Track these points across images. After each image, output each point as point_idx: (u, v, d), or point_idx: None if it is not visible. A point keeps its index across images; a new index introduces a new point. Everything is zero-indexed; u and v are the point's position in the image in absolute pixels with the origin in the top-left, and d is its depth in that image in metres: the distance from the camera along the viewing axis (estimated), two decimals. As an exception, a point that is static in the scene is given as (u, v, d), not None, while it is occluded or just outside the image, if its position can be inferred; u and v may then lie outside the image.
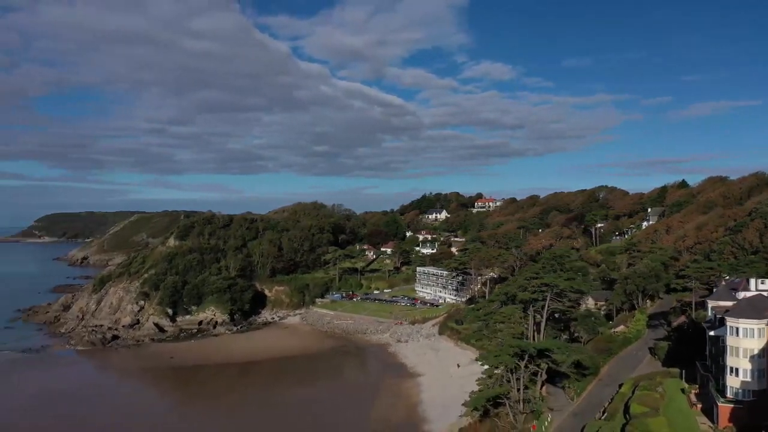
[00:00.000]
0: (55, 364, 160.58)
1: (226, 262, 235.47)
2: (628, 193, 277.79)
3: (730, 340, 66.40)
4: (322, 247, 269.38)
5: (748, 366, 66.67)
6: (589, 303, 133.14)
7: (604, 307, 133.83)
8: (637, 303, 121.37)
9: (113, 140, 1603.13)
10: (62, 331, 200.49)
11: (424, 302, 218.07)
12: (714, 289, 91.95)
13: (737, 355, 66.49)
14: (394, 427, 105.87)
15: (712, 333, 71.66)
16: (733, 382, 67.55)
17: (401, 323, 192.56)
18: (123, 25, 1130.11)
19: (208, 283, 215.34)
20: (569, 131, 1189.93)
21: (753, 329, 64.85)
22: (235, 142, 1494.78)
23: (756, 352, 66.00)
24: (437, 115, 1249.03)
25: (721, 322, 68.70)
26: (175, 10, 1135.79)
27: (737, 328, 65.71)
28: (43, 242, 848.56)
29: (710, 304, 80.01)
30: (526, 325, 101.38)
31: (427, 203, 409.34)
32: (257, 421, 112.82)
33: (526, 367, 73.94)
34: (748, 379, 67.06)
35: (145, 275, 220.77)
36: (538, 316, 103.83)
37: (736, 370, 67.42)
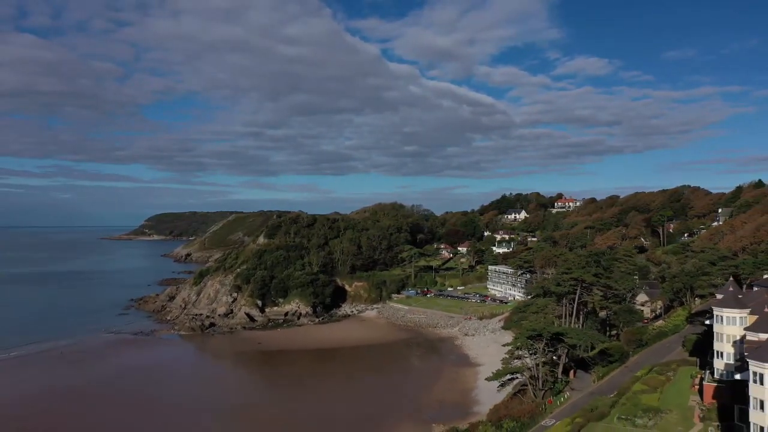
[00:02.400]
0: (162, 345, 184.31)
1: (309, 259, 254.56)
2: (709, 192, 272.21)
3: (716, 327, 72.95)
4: (400, 246, 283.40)
5: (731, 350, 73.06)
6: (642, 299, 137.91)
7: (661, 304, 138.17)
8: (685, 300, 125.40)
9: (214, 144, 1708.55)
10: (168, 318, 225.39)
11: (494, 299, 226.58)
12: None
13: (722, 341, 73.08)
14: (447, 408, 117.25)
15: (707, 322, 78.14)
16: (718, 365, 74.06)
17: (470, 318, 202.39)
18: (224, 34, 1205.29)
19: (293, 278, 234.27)
20: (671, 127, 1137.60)
21: (735, 317, 71.12)
22: (327, 144, 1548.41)
23: (738, 338, 71.97)
24: (529, 113, 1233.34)
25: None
26: (271, 18, 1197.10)
27: (722, 317, 72.26)
28: (152, 240, 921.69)
29: (718, 296, 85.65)
30: (560, 315, 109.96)
31: (506, 203, 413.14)
32: (331, 396, 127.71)
33: (543, 350, 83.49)
34: (731, 361, 73.12)
35: (238, 270, 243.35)
36: (583, 307, 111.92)
37: (721, 353, 73.90)
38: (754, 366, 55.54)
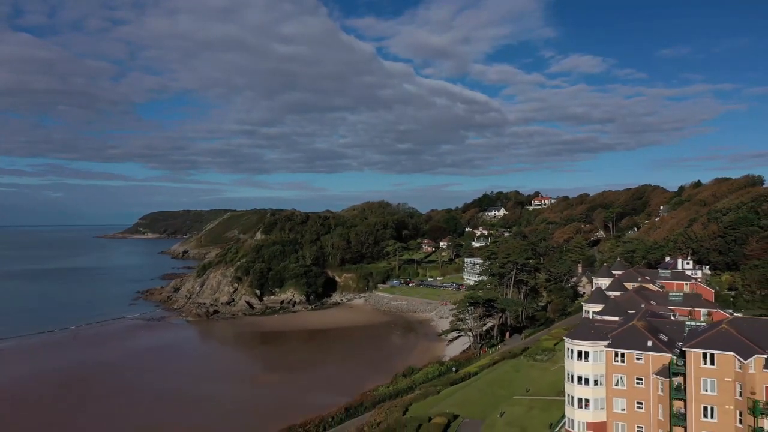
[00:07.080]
0: (173, 329, 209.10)
1: (303, 253, 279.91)
2: (666, 191, 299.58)
3: (586, 290, 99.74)
4: (385, 241, 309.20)
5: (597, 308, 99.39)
6: (584, 281, 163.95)
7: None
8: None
9: (208, 142, 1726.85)
10: (175, 307, 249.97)
11: (468, 287, 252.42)
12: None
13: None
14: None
15: (591, 289, 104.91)
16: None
17: (445, 304, 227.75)
18: (219, 33, 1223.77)
19: (288, 270, 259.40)
20: (664, 124, 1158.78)
21: (605, 283, 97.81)
22: (321, 142, 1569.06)
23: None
24: (522, 111, 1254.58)
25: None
26: (266, 16, 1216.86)
27: (597, 283, 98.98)
28: (146, 238, 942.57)
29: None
30: (501, 291, 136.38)
31: (487, 201, 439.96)
32: (322, 366, 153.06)
33: (480, 314, 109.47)
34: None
35: (238, 263, 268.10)
36: (524, 286, 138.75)
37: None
38: (585, 306, 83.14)
